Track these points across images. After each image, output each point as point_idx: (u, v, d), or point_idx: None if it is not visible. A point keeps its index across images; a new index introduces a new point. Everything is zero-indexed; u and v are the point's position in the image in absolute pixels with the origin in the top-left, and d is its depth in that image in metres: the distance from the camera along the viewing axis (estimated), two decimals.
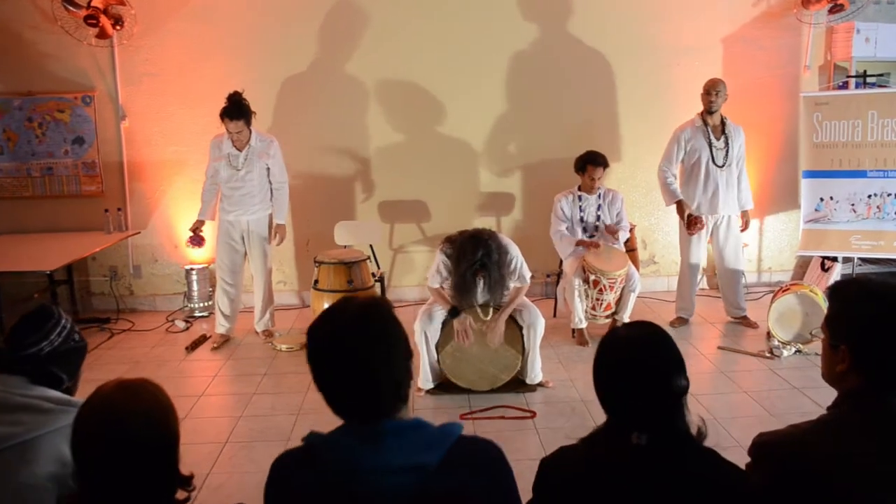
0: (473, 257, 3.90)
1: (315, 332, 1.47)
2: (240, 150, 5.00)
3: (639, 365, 1.57)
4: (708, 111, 5.12)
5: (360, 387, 1.42)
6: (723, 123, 5.19)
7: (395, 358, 1.44)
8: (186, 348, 5.14)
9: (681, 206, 5.23)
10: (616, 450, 1.56)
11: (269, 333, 5.34)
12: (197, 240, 5.13)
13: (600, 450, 1.59)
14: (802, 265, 6.43)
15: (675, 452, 1.54)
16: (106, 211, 5.81)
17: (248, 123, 4.93)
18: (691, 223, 5.14)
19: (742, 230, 5.40)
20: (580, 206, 5.20)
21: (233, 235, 5.13)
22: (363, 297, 1.52)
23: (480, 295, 4.11)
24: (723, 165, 5.14)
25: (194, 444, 3.72)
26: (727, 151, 5.15)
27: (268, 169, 5.11)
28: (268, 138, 5.14)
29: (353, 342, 1.41)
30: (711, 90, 5.07)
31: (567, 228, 5.20)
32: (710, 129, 5.15)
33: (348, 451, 1.40)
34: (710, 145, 5.12)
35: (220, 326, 5.26)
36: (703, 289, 6.05)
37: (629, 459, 1.54)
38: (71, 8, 5.35)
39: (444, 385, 4.32)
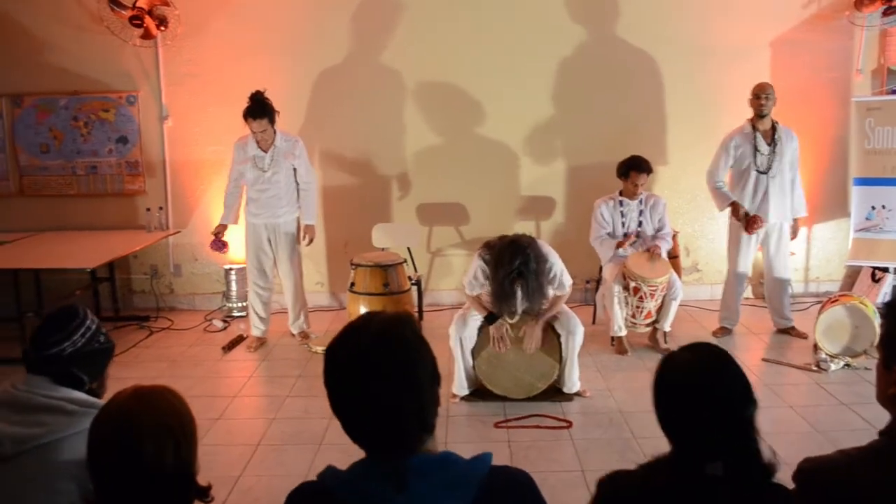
0: (511, 265, 3.83)
1: (332, 353, 1.35)
2: (265, 151, 4.94)
3: (704, 392, 1.49)
4: (759, 115, 4.97)
5: (380, 416, 1.28)
6: (773, 128, 5.04)
7: (420, 384, 1.30)
8: (223, 348, 5.17)
9: (735, 208, 5.05)
10: (684, 480, 1.47)
11: (304, 335, 5.34)
12: (219, 244, 5.09)
13: (662, 478, 1.51)
14: (851, 275, 6.22)
15: (752, 485, 1.47)
16: (148, 210, 5.87)
17: (272, 122, 4.86)
18: (750, 223, 4.96)
19: (791, 238, 5.24)
20: (621, 212, 5.10)
21: (261, 238, 5.08)
22: (387, 313, 1.40)
23: (519, 304, 4.03)
24: (766, 171, 4.98)
25: (227, 445, 3.72)
26: (774, 157, 4.99)
27: (294, 170, 5.05)
28: (293, 138, 5.08)
29: (374, 366, 1.28)
30: (761, 94, 4.92)
31: (608, 235, 5.10)
32: (758, 135, 5.00)
33: (367, 495, 1.27)
34: (756, 151, 4.97)
35: (255, 329, 5.26)
36: (747, 298, 5.88)
37: (699, 491, 1.46)
38: (116, 8, 5.42)
39: (479, 391, 4.26)
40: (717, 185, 5.13)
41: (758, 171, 4.99)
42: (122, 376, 4.68)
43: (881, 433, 1.60)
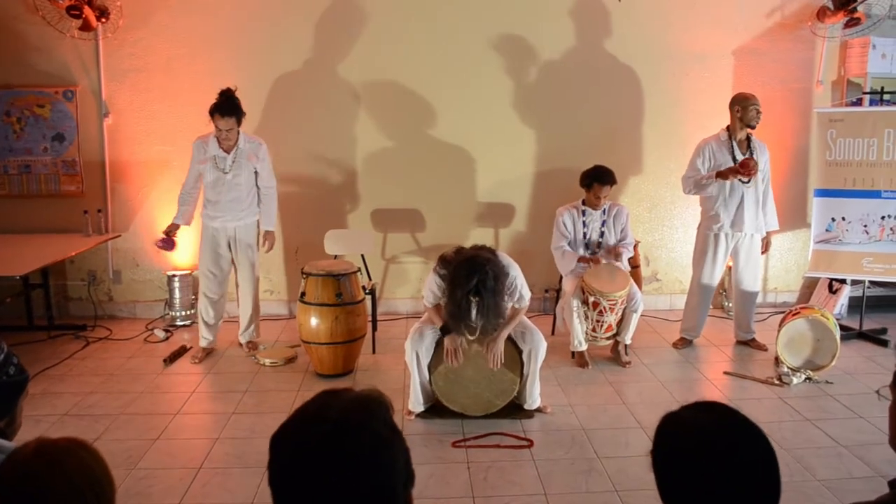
0: (468, 285, 3.63)
1: (278, 446, 1.08)
2: (227, 151, 4.75)
3: (721, 466, 1.27)
4: (747, 125, 4.86)
5: None
6: (748, 139, 4.96)
7: (390, 492, 1.05)
8: (164, 360, 4.87)
9: (721, 172, 4.79)
10: None
11: (253, 345, 5.09)
12: (168, 243, 4.82)
13: None
14: (809, 286, 6.21)
15: None
16: (85, 212, 5.53)
17: (240, 123, 4.69)
18: (743, 164, 4.72)
19: (762, 252, 5.17)
20: (584, 222, 4.96)
21: (219, 243, 4.86)
22: (352, 395, 1.12)
23: (474, 321, 3.84)
24: (747, 182, 4.90)
25: (167, 469, 3.46)
26: None
27: (256, 173, 4.86)
28: (256, 140, 4.89)
29: (330, 469, 1.01)
30: (757, 104, 4.80)
31: (569, 244, 4.96)
32: (735, 144, 4.91)
33: None
34: (735, 161, 4.88)
35: (203, 339, 4.98)
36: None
37: None
38: None
39: (435, 408, 4.07)
40: (696, 179, 4.94)
41: (740, 181, 4.89)
42: (55, 391, 4.41)
43: (891, 483, 1.46)
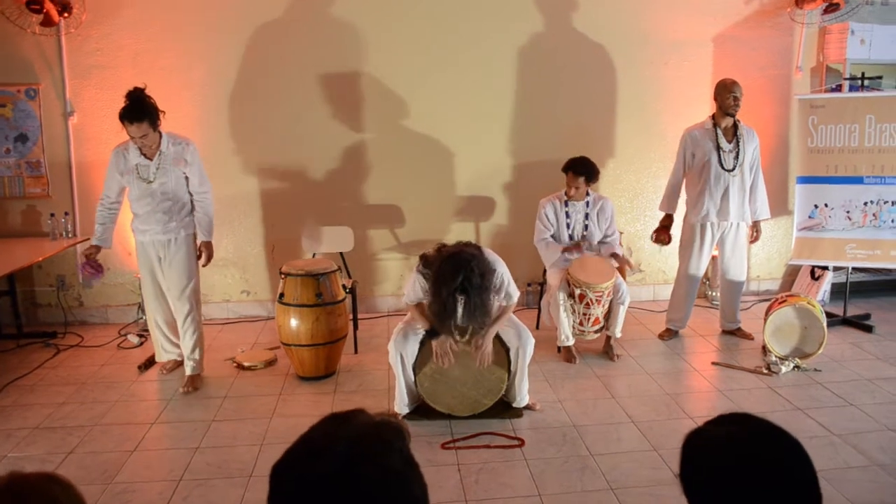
0: (454, 283, 3.50)
1: (279, 479, 0.98)
2: (150, 158, 4.21)
3: (767, 483, 1.17)
4: (726, 114, 4.81)
5: None
6: (735, 126, 4.90)
7: None
8: (139, 367, 4.70)
9: (666, 219, 5.13)
10: None
11: (192, 382, 4.41)
12: (93, 267, 4.31)
13: None
14: (792, 273, 6.20)
15: None
16: (52, 215, 5.33)
17: (154, 126, 4.08)
18: (659, 232, 5.10)
19: (751, 241, 5.13)
20: (567, 213, 4.87)
21: (151, 259, 4.37)
22: (364, 420, 1.01)
23: (460, 320, 3.73)
24: (732, 169, 4.85)
25: (145, 482, 3.31)
26: (738, 155, 4.85)
27: (186, 178, 4.33)
28: (182, 140, 4.30)
29: None
30: (736, 91, 4.75)
31: (553, 237, 4.87)
32: (719, 132, 4.85)
33: None
34: (719, 148, 4.82)
35: (164, 354, 4.62)
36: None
37: None
38: None
39: (422, 409, 3.96)
40: (672, 188, 5.06)
41: (723, 168, 4.84)
42: (26, 402, 4.23)
43: None
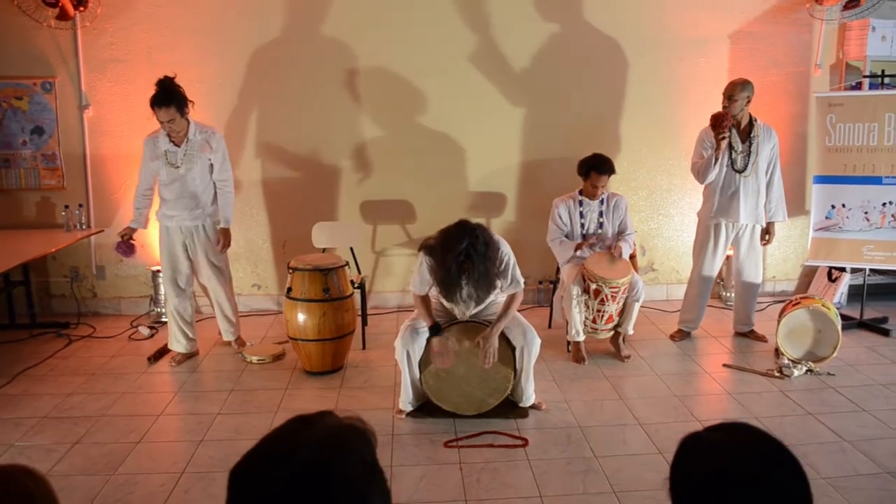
0: (458, 247, 3.52)
1: (238, 485, 0.95)
2: (178, 145, 4.44)
3: (748, 497, 1.13)
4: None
5: None
6: (750, 125, 4.80)
7: None
8: (149, 359, 4.73)
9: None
10: None
11: (241, 342, 4.94)
12: (126, 247, 4.55)
13: None
14: (808, 274, 6.10)
15: None
16: (66, 207, 5.38)
17: (182, 112, 4.33)
18: (713, 118, 4.63)
19: (764, 244, 5.02)
20: (581, 212, 4.82)
21: (175, 244, 4.60)
22: (328, 424, 0.98)
23: (465, 291, 3.74)
24: (743, 170, 4.77)
25: (148, 473, 3.33)
26: (750, 155, 4.77)
27: (211, 165, 4.55)
28: (209, 129, 4.56)
29: None
30: (726, 95, 4.68)
31: (566, 237, 4.82)
32: (733, 131, 4.76)
33: None
34: (731, 148, 4.74)
35: (178, 344, 4.72)
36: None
37: None
38: None
39: (427, 406, 3.94)
40: (697, 171, 4.86)
41: (733, 168, 4.76)
42: (36, 391, 4.27)
43: None
